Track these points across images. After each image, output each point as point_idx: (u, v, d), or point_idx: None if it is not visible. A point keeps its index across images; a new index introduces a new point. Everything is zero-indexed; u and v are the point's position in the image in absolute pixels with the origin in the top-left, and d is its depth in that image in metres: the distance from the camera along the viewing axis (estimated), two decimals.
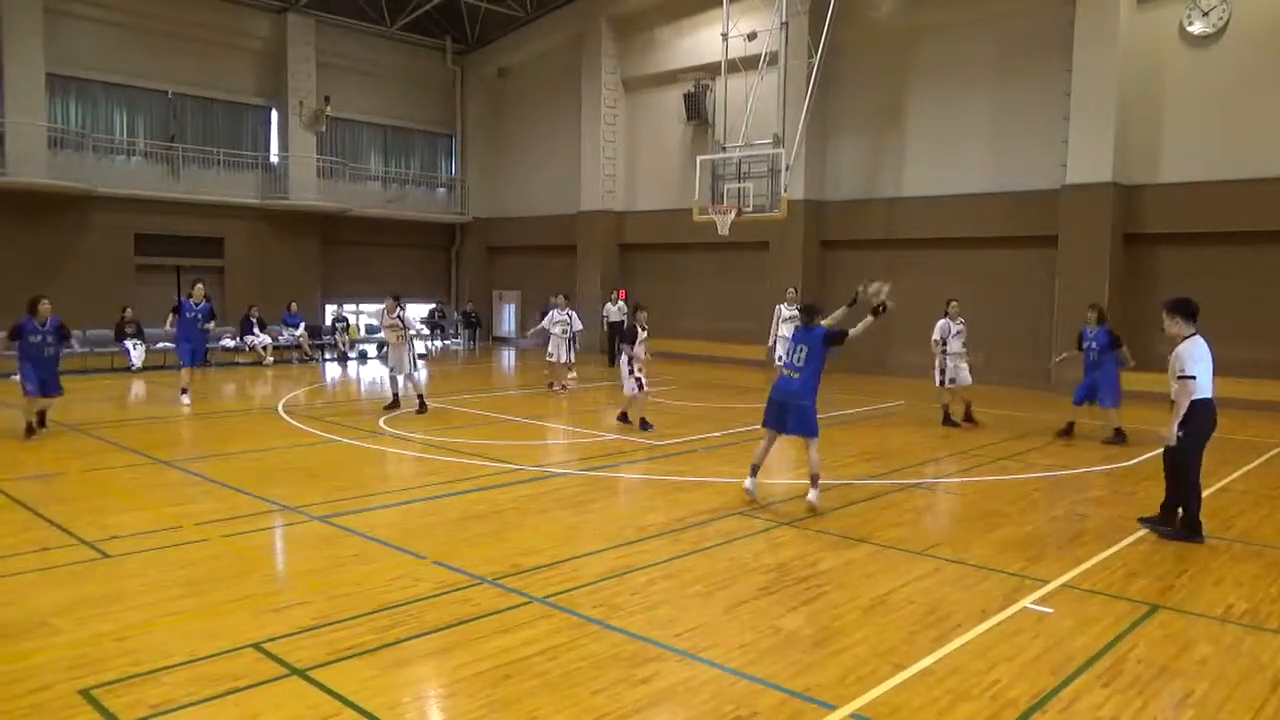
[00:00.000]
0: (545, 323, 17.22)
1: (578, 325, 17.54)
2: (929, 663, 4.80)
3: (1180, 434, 7.13)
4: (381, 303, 14.72)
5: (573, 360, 17.41)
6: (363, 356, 23.65)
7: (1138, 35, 16.58)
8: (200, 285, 14.70)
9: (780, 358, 13.47)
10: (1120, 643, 5.13)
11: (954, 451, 11.19)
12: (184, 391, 14.34)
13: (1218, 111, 15.87)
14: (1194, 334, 7.19)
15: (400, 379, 14.03)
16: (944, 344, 12.95)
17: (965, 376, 13.01)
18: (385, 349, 15.01)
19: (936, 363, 13.06)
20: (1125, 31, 16.42)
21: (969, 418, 13.02)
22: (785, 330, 14.27)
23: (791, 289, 16.33)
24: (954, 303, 13.25)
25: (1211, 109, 15.95)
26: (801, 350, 8.11)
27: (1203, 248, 15.97)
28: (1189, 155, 16.19)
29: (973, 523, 7.78)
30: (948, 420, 13.11)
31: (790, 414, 8.05)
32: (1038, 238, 17.60)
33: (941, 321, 13.06)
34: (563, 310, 17.24)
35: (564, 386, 16.95)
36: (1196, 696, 4.51)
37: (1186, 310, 7.24)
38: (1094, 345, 11.83)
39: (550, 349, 17.14)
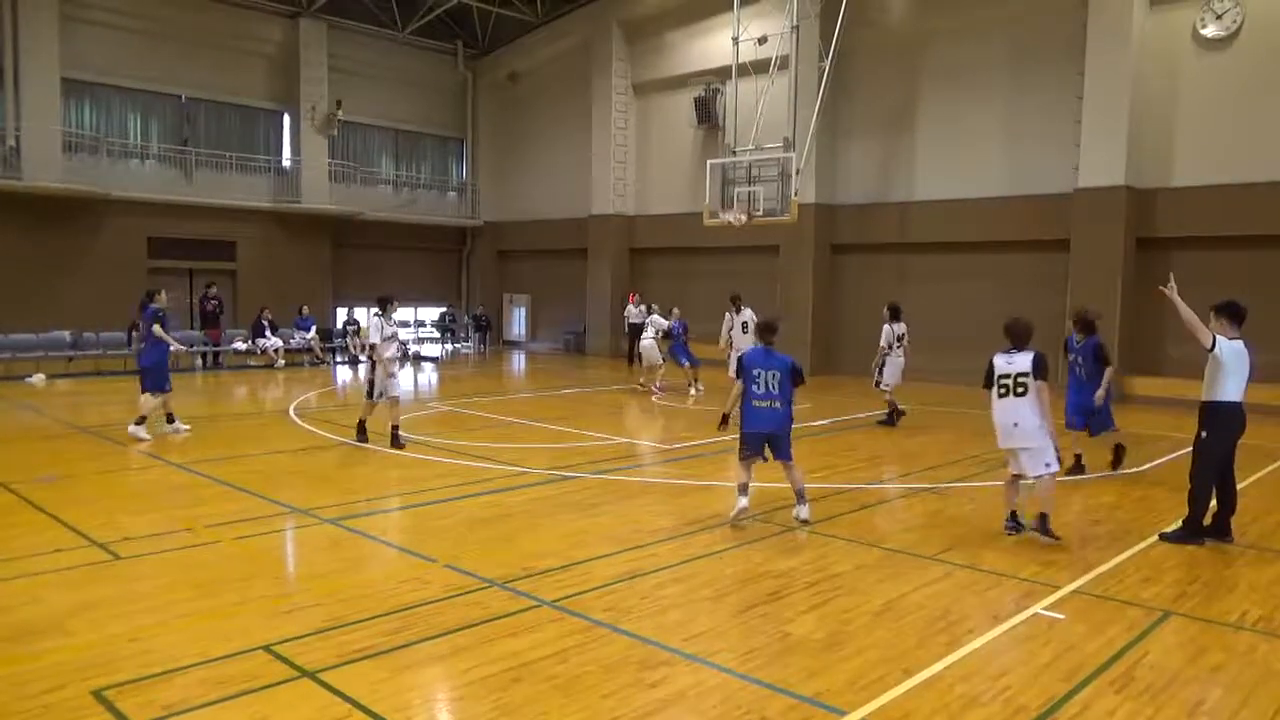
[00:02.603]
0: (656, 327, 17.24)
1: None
2: (940, 668, 4.78)
3: (1203, 434, 7.20)
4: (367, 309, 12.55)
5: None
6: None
7: (1151, 38, 16.51)
8: (164, 291, 12.55)
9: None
10: (1133, 649, 5.10)
11: (965, 456, 11.14)
12: (170, 421, 11.91)
13: (1231, 115, 15.79)
14: (1237, 338, 7.14)
15: (381, 400, 11.15)
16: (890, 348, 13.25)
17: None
18: (374, 367, 11.14)
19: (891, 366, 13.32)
20: (1138, 34, 16.35)
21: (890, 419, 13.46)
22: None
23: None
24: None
25: (1225, 112, 15.86)
26: (774, 377, 7.59)
27: (1216, 251, 15.87)
28: (1202, 158, 16.11)
29: (984, 528, 7.75)
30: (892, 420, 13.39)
31: (775, 444, 7.72)
32: (1050, 241, 17.53)
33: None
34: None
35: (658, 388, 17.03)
36: (1210, 704, 4.48)
37: (1229, 311, 7.18)
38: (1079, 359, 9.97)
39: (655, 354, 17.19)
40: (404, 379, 12.34)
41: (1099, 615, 5.64)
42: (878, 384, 13.43)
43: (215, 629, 5.17)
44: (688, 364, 17.06)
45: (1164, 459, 11.07)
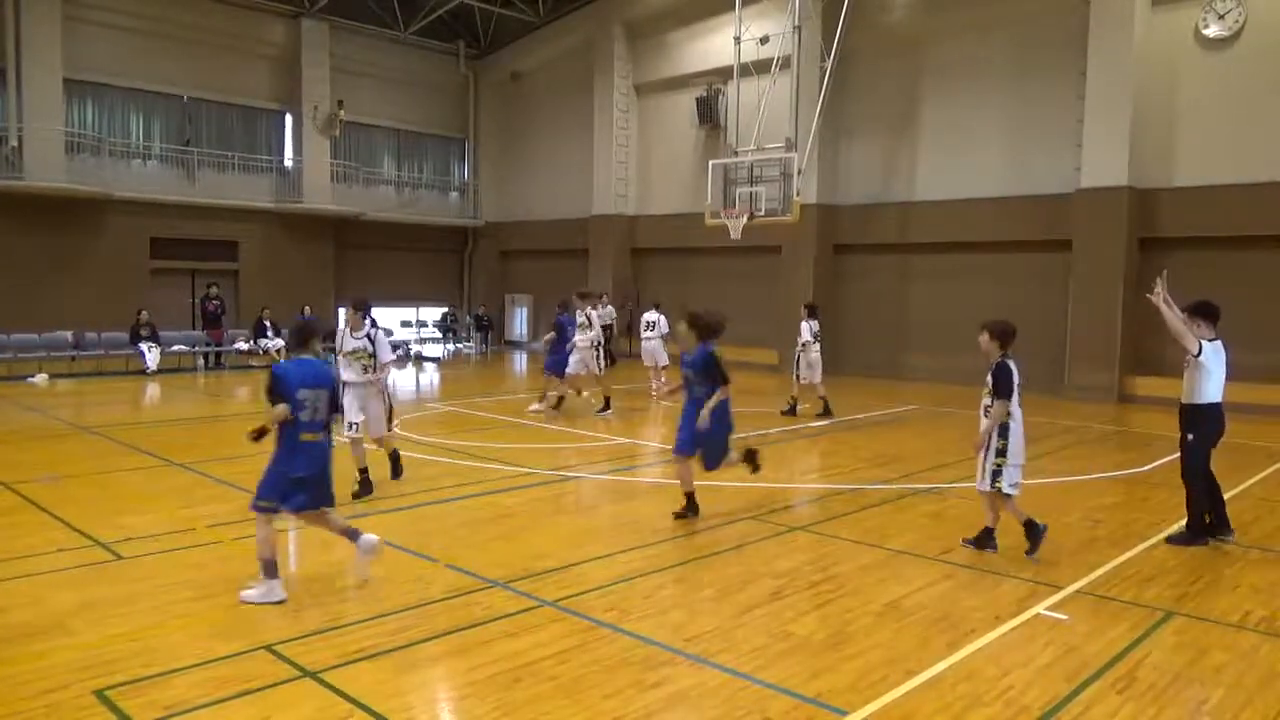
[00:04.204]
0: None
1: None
2: (942, 668, 4.78)
3: (1189, 437, 7.18)
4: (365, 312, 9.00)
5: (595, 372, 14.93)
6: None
7: (1153, 38, 16.49)
8: None
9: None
10: (1135, 649, 5.09)
11: (967, 456, 11.08)
12: None
13: (1233, 115, 15.76)
14: (1215, 338, 7.12)
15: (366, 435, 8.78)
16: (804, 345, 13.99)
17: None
18: (343, 389, 8.48)
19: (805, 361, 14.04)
20: (1140, 34, 16.33)
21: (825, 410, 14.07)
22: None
23: None
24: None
25: (1227, 112, 15.84)
26: (320, 399, 5.77)
27: (1218, 252, 15.84)
28: (1204, 159, 16.08)
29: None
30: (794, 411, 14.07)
31: (323, 490, 5.88)
32: (1052, 242, 17.50)
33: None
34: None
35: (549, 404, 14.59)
36: (1212, 704, 4.48)
37: (1204, 312, 7.14)
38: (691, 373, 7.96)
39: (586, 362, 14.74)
40: (363, 409, 8.78)
41: (1101, 616, 5.63)
42: (797, 378, 14.11)
43: (217, 629, 5.17)
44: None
45: (1166, 459, 11.03)
